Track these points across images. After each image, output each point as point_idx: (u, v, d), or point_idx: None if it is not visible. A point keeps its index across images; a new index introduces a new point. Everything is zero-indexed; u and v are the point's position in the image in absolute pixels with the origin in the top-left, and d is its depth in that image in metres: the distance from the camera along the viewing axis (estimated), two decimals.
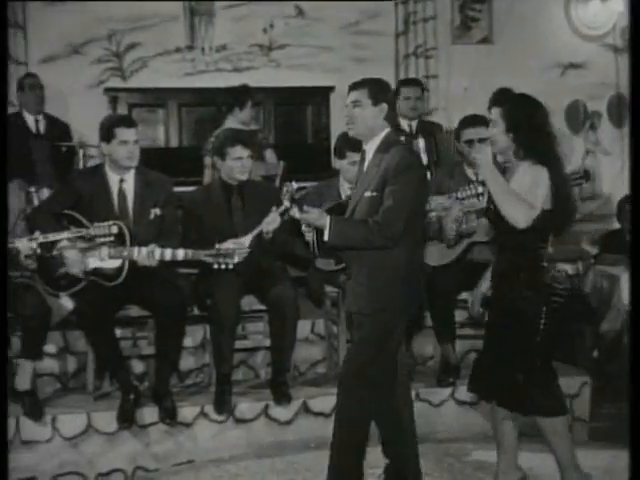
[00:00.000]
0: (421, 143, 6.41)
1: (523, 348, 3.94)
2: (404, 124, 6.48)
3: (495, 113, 3.97)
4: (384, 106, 4.05)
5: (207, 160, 6.21)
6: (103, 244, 4.76)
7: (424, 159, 6.32)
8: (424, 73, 8.00)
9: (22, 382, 4.92)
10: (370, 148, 4.11)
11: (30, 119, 6.74)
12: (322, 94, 7.77)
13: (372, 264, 3.99)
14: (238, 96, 6.52)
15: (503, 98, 4.03)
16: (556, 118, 5.34)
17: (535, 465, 4.49)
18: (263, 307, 5.23)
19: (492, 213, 3.99)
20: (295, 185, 4.51)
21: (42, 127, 6.78)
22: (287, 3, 7.94)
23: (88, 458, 4.94)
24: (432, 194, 5.41)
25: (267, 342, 5.30)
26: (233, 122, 6.49)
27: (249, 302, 5.26)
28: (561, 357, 4.85)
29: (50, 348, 5.37)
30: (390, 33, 8.07)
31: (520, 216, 3.78)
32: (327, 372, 5.66)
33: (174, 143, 7.53)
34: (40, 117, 6.79)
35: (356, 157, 4.57)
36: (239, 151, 5.22)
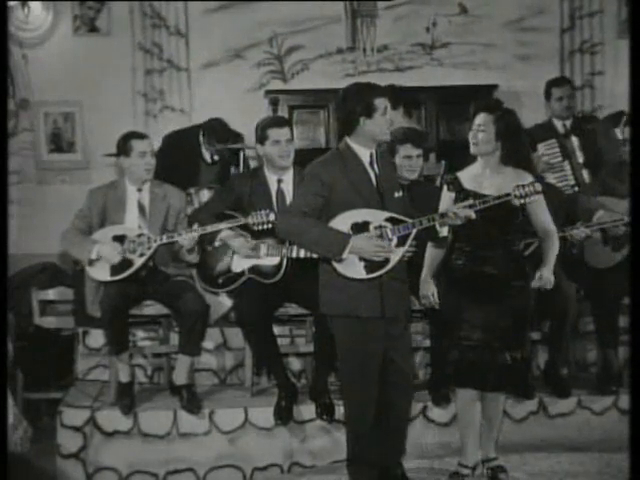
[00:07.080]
0: (575, 142, 6.20)
1: None
2: (558, 124, 6.31)
3: (486, 119, 4.21)
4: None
5: None
6: (264, 235, 4.86)
7: (580, 158, 6.16)
8: (589, 70, 7.77)
9: (180, 377, 5.07)
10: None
11: None
12: (486, 93, 7.60)
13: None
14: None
15: (494, 106, 4.30)
16: None
17: None
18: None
19: None
20: None
21: None
22: (450, 1, 7.86)
23: (245, 452, 5.05)
24: (597, 195, 5.25)
25: (427, 343, 5.28)
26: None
27: None
28: None
29: (208, 344, 5.52)
30: (555, 29, 7.85)
31: None
32: None
33: (334, 144, 7.54)
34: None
35: None
36: (409, 150, 5.11)
